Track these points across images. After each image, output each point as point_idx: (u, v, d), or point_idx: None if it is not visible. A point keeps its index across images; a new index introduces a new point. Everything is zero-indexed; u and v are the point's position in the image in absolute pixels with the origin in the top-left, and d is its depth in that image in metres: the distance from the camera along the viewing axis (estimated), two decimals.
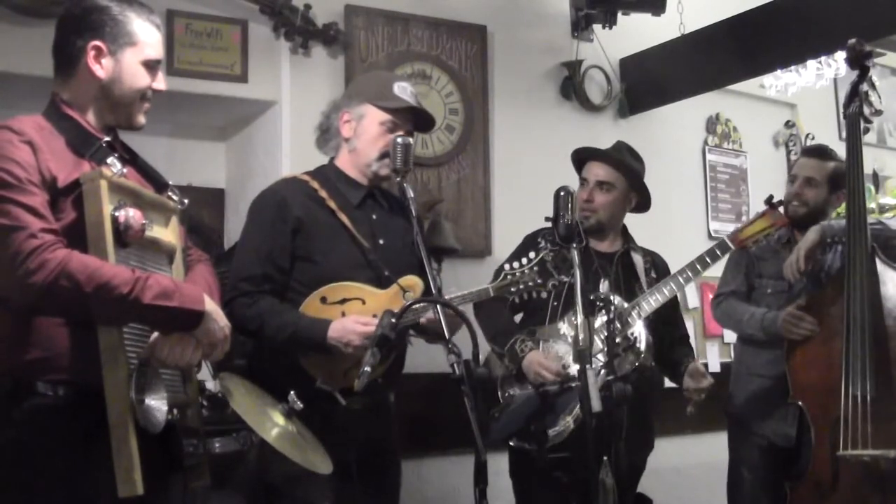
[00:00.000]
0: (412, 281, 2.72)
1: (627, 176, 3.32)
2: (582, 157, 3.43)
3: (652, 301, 3.15)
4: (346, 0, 4.01)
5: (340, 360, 2.63)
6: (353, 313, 2.66)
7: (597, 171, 3.33)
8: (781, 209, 3.29)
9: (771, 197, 3.25)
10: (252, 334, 2.74)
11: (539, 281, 2.76)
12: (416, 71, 4.14)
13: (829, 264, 3.41)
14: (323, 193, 2.79)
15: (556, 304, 3.18)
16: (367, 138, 2.84)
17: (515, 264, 2.77)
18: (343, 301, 2.69)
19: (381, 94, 2.85)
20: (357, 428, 2.64)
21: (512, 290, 2.76)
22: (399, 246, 2.84)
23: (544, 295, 2.97)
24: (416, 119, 2.89)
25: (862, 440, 2.89)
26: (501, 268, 2.89)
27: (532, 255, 2.78)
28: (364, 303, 2.69)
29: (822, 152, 3.57)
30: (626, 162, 3.34)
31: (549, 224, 3.23)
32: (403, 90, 2.87)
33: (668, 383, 4.62)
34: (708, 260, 3.19)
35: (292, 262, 2.74)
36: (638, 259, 3.33)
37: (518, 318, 3.38)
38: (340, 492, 2.61)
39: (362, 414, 2.65)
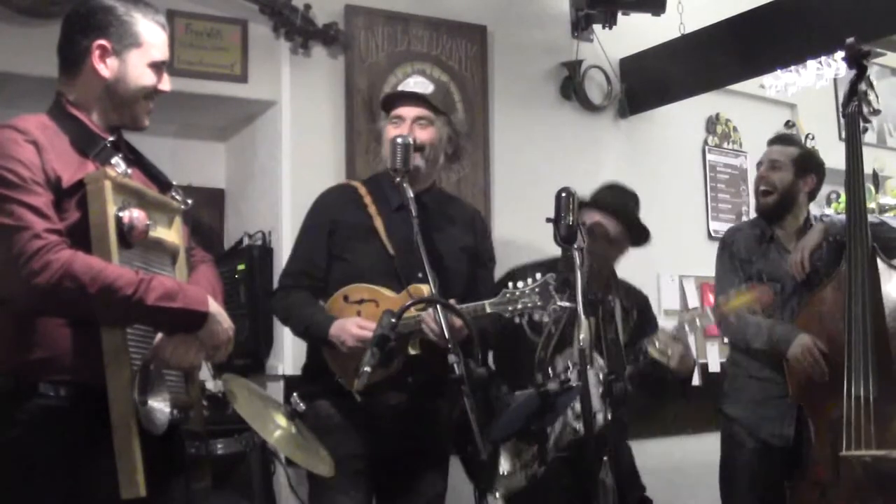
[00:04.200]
0: (419, 289, 2.71)
1: (630, 233, 3.25)
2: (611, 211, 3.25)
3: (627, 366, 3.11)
4: (346, 0, 4.00)
5: (350, 359, 2.69)
6: (367, 314, 2.76)
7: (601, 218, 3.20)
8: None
9: (761, 274, 3.28)
10: (285, 324, 3.03)
11: (539, 303, 2.68)
12: (416, 71, 4.12)
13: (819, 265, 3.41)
14: (367, 199, 2.92)
15: (543, 354, 3.12)
16: (384, 141, 2.91)
17: (520, 283, 2.70)
18: (361, 301, 2.81)
19: (385, 99, 2.99)
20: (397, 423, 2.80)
21: (510, 308, 2.69)
22: (438, 249, 2.84)
23: (546, 318, 2.94)
24: (422, 102, 2.91)
25: (865, 440, 2.89)
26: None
27: (538, 275, 2.73)
28: (377, 305, 2.76)
29: (784, 139, 3.66)
30: (635, 222, 3.25)
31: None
32: (405, 84, 2.98)
33: None
34: (686, 333, 3.12)
35: (330, 261, 2.89)
36: (617, 306, 3.26)
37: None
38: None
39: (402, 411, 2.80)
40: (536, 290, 2.67)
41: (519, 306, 2.68)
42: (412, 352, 2.70)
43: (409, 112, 2.89)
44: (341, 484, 2.65)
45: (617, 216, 3.20)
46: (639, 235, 3.27)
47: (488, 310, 2.70)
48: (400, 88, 2.97)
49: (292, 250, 3.03)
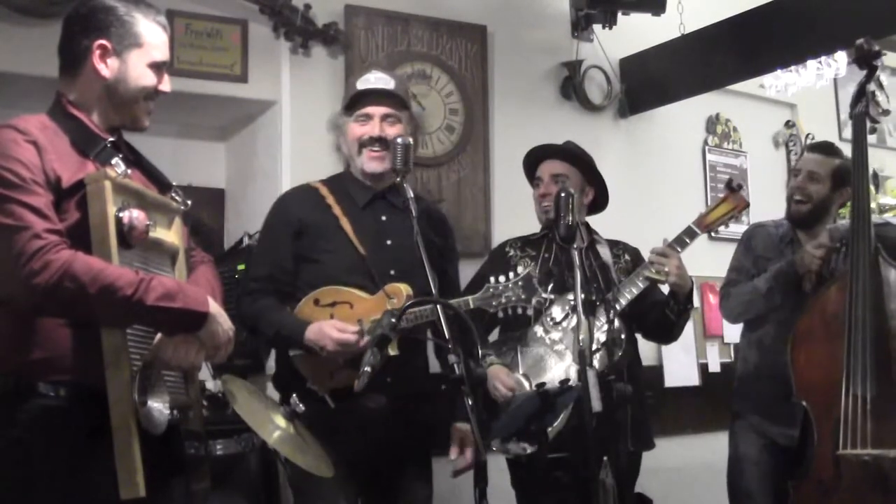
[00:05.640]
0: (397, 288, 2.72)
1: (580, 167, 3.29)
2: (532, 161, 3.39)
3: (627, 294, 3.12)
4: (346, 0, 4.01)
5: (324, 363, 2.68)
6: (341, 316, 2.71)
7: (549, 166, 3.30)
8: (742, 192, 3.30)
9: (730, 181, 3.30)
10: (252, 332, 2.91)
11: (523, 296, 2.68)
12: (416, 71, 4.14)
13: (832, 265, 3.41)
14: (330, 199, 2.87)
15: (529, 312, 3.10)
16: (349, 140, 2.89)
17: (502, 278, 2.70)
18: (333, 304, 2.75)
19: (346, 100, 2.94)
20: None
21: (493, 303, 2.69)
22: (409, 245, 2.84)
23: (530, 311, 2.92)
24: (387, 100, 2.88)
25: (862, 439, 2.89)
26: (482, 279, 2.87)
27: (520, 269, 2.73)
28: (352, 307, 2.73)
29: (827, 148, 3.58)
30: (576, 153, 3.31)
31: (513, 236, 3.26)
32: (366, 81, 2.91)
33: (667, 383, 4.68)
34: (677, 248, 3.17)
35: (297, 263, 2.83)
36: (605, 251, 3.29)
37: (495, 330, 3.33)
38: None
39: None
40: (520, 283, 2.67)
41: (503, 300, 2.68)
42: (392, 353, 2.62)
43: (376, 110, 2.85)
44: (321, 491, 2.60)
45: (573, 161, 3.28)
46: (596, 176, 3.32)
47: (472, 305, 2.70)
48: (361, 86, 2.90)
49: (255, 254, 2.94)
